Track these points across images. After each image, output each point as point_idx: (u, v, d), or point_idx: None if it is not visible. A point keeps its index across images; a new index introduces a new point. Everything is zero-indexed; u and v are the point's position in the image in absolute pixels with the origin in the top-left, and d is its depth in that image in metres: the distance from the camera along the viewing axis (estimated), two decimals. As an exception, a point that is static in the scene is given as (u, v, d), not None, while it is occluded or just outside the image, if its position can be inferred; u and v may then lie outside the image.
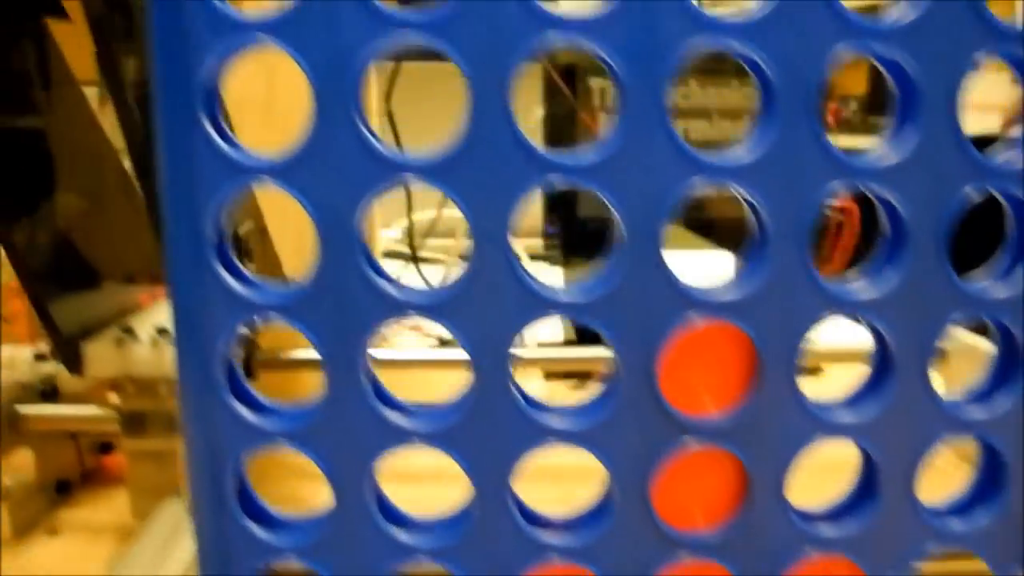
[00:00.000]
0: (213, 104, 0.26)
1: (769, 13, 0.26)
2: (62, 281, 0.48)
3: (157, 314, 0.49)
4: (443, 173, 0.26)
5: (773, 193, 0.27)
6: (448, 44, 0.25)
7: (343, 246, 0.26)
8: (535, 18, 0.25)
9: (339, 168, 0.25)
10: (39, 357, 0.50)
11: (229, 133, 0.26)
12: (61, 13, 0.41)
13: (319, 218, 0.26)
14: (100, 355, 0.44)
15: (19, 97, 0.50)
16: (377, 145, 0.26)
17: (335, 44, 0.25)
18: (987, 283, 0.29)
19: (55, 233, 0.51)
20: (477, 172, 0.26)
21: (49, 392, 0.48)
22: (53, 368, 0.49)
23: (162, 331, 0.44)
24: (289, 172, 0.26)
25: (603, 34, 0.25)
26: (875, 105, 2.56)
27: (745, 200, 0.28)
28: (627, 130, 0.26)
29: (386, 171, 0.26)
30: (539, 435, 0.28)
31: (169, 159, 0.25)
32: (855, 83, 2.76)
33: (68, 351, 0.43)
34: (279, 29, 0.25)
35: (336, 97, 0.25)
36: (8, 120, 0.49)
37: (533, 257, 1.01)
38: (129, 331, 0.44)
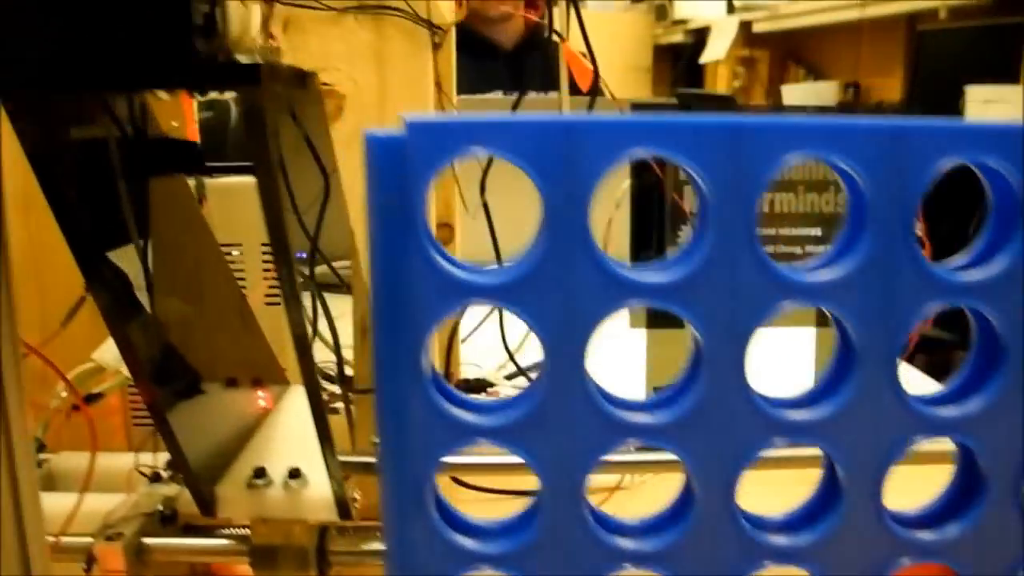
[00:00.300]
0: (432, 369, 0.25)
1: (1006, 271, 0.25)
2: (173, 385, 0.48)
3: (284, 445, 0.48)
4: (671, 434, 0.25)
5: (996, 440, 0.26)
6: (686, 311, 0.24)
7: (570, 504, 0.25)
8: (776, 285, 0.24)
9: (568, 431, 0.25)
10: (154, 478, 0.50)
11: (445, 383, 0.26)
12: (203, 170, 0.40)
13: (545, 477, 0.25)
14: (232, 498, 0.43)
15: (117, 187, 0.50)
16: (607, 406, 0.25)
17: (568, 310, 0.24)
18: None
19: (160, 334, 0.51)
20: (708, 436, 0.25)
21: (169, 515, 0.48)
22: (170, 489, 0.49)
23: (294, 473, 0.44)
24: (514, 432, 0.25)
25: (841, 299, 0.25)
26: (914, 113, 2.54)
27: (957, 447, 0.27)
28: (856, 387, 0.25)
29: (615, 435, 0.25)
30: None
31: (388, 415, 0.25)
32: (891, 89, 2.73)
33: (201, 494, 0.43)
34: (509, 294, 0.24)
35: (567, 358, 0.24)
36: (108, 211, 0.49)
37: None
38: (261, 473, 0.44)
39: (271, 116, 0.28)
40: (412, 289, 0.24)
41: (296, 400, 0.56)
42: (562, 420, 0.25)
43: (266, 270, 0.62)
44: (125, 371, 0.56)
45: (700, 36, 3.23)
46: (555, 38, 0.68)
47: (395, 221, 0.23)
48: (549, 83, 1.96)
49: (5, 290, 0.32)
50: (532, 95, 1.81)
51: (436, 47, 0.59)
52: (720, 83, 3.12)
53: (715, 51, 3.02)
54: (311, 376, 0.42)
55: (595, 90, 0.68)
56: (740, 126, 0.24)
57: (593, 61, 0.67)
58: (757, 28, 3.00)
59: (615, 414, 0.25)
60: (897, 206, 0.24)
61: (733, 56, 3.06)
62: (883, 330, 0.25)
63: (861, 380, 0.25)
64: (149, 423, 0.64)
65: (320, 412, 0.42)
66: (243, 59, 0.27)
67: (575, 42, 0.68)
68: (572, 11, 0.67)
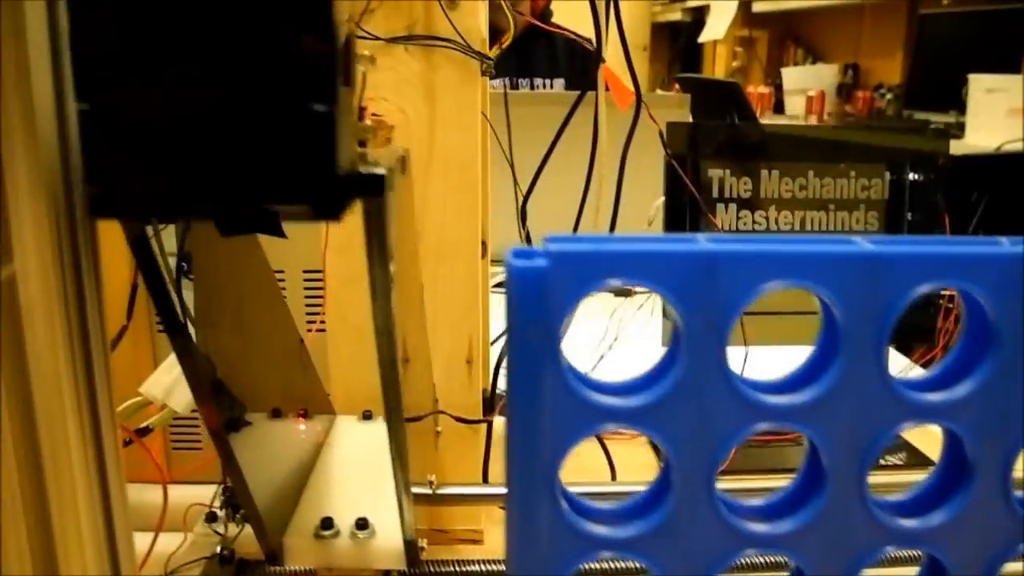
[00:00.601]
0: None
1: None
2: (234, 415, 0.48)
3: (348, 488, 0.48)
4: (792, 543, 0.26)
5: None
6: (814, 432, 0.25)
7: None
8: (900, 405, 0.25)
9: (694, 542, 0.25)
10: (211, 518, 0.50)
11: (572, 493, 0.26)
12: (279, 233, 0.40)
13: (667, 587, 0.26)
14: (300, 549, 0.44)
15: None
16: (732, 518, 0.25)
17: (701, 432, 0.24)
18: None
19: (222, 363, 0.51)
20: (827, 544, 0.26)
21: (227, 556, 0.48)
22: (228, 529, 0.49)
23: (361, 524, 0.44)
24: (642, 544, 0.25)
25: (960, 417, 0.25)
26: (915, 98, 2.54)
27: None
28: (969, 499, 0.26)
29: (739, 545, 0.26)
30: None
31: (518, 527, 0.25)
32: (890, 71, 2.73)
33: (269, 544, 0.43)
34: (645, 417, 0.24)
35: (697, 475, 0.25)
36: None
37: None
38: (328, 523, 0.44)
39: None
40: (549, 413, 0.24)
41: (348, 432, 0.56)
42: (690, 533, 0.25)
43: (308, 297, 0.62)
44: (172, 404, 0.56)
45: (699, 15, 3.21)
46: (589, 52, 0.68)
47: (534, 347, 0.24)
48: (554, 70, 1.94)
49: (103, 373, 0.32)
50: (540, 86, 1.80)
51: (484, 74, 0.58)
52: (719, 63, 3.11)
53: (714, 30, 3.00)
54: (397, 413, 0.42)
55: (637, 101, 0.68)
56: (878, 258, 0.24)
57: (635, 79, 0.67)
58: (757, 8, 2.98)
59: (739, 525, 0.26)
60: (1021, 328, 0.25)
61: (732, 36, 3.04)
62: (999, 446, 0.26)
63: (975, 492, 0.26)
64: (187, 448, 0.65)
65: (402, 451, 0.42)
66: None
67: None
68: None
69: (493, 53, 0.60)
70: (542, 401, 0.24)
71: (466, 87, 0.56)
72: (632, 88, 0.68)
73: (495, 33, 0.64)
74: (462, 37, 0.55)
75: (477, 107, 0.57)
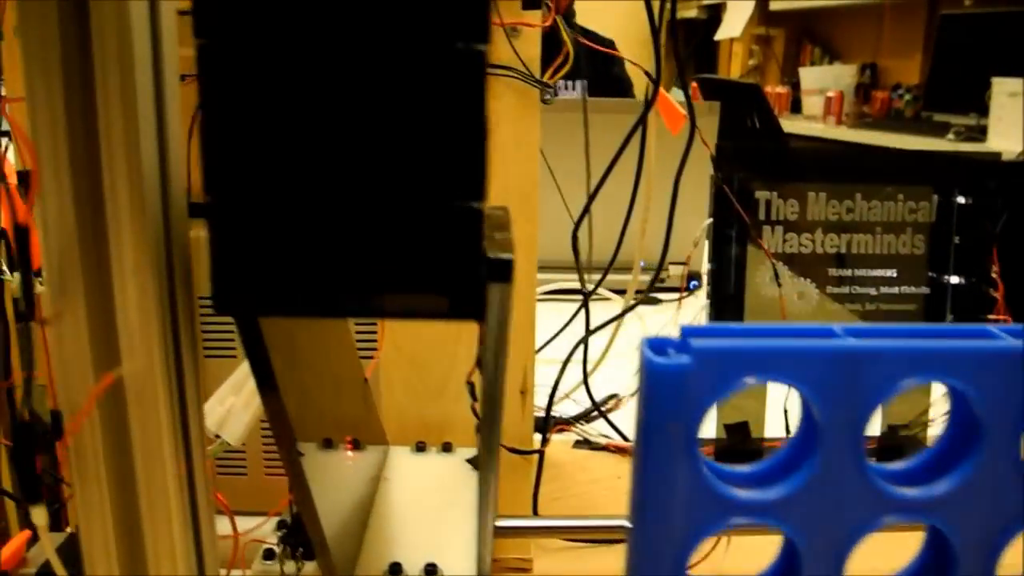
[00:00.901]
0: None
1: None
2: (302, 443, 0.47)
3: (414, 529, 0.48)
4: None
5: None
6: (947, 525, 0.24)
7: None
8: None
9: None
10: (268, 555, 0.50)
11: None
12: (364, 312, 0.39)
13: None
14: (371, 593, 0.43)
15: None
16: (856, 609, 0.25)
17: (833, 524, 0.24)
18: None
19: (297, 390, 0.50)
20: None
21: (288, 594, 0.48)
22: (288, 567, 0.49)
23: (430, 570, 0.44)
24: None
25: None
26: (935, 99, 2.52)
27: None
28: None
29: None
30: None
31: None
32: (909, 72, 2.71)
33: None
34: (779, 511, 0.24)
35: (826, 566, 0.24)
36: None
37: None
38: (396, 569, 0.44)
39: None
40: (682, 507, 0.24)
41: (404, 465, 0.56)
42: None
43: (359, 324, 0.61)
44: (225, 436, 0.55)
45: (715, 12, 3.18)
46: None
47: (670, 443, 0.23)
48: (576, 72, 1.92)
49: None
50: (561, 88, 1.79)
51: (543, 101, 0.57)
52: (735, 61, 3.09)
53: (731, 28, 2.97)
54: (494, 450, 0.41)
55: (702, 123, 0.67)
56: (1021, 353, 0.23)
57: (689, 105, 0.66)
58: (774, 6, 2.96)
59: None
60: None
61: (748, 34, 3.02)
62: None
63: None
64: (233, 474, 0.64)
65: (493, 492, 0.41)
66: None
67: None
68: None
69: (547, 78, 0.60)
70: (674, 496, 0.24)
71: (526, 116, 0.56)
72: (684, 112, 0.68)
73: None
74: (525, 66, 0.54)
75: (536, 137, 0.57)
